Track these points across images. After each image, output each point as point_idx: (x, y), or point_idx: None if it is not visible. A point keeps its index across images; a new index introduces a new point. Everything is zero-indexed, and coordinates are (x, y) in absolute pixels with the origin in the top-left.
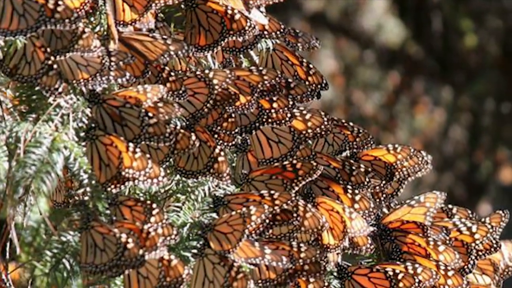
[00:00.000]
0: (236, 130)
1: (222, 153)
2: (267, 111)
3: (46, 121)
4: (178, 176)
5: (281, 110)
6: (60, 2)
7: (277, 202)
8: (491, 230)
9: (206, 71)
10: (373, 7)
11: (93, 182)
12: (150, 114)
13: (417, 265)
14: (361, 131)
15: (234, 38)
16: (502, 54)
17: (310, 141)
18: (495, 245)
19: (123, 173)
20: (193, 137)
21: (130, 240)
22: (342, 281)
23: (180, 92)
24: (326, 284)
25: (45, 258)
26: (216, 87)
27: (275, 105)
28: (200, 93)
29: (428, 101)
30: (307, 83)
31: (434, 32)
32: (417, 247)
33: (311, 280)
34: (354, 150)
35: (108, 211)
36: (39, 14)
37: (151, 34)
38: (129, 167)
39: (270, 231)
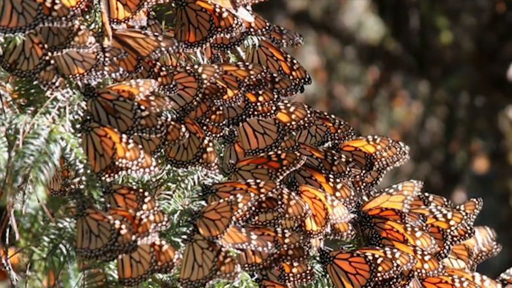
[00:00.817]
0: (224, 122)
1: (210, 144)
2: (253, 104)
3: (44, 113)
4: (168, 166)
5: (266, 103)
6: (57, 1)
7: (262, 190)
8: (465, 217)
9: (195, 66)
10: (353, 6)
11: (88, 171)
12: (142, 107)
13: (395, 250)
14: (342, 123)
15: (221, 35)
16: (476, 50)
17: (294, 133)
18: (469, 231)
19: (116, 163)
20: (183, 129)
21: (123, 226)
22: (324, 265)
23: (171, 86)
24: (309, 268)
25: (43, 243)
26: (205, 81)
27: (260, 98)
28: (190, 87)
29: (405, 94)
30: (291, 77)
31: (411, 29)
32: (395, 233)
33: (295, 264)
34: (336, 141)
35: (102, 199)
36: (37, 12)
37: (143, 31)
38: (123, 157)
39: (256, 218)
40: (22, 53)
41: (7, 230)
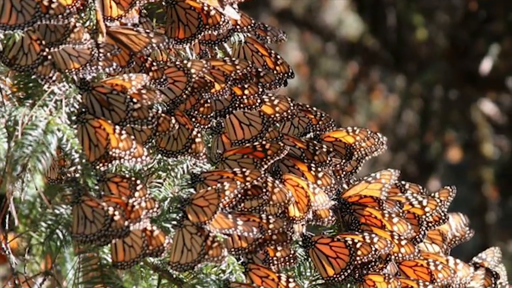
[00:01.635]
0: (212, 114)
1: (199, 135)
2: (239, 97)
3: (41, 106)
4: (159, 156)
5: (251, 96)
6: (54, 0)
7: (248, 178)
8: (439, 204)
9: (185, 62)
10: (334, 4)
11: (84, 161)
12: (135, 100)
13: (373, 235)
14: (323, 115)
15: (209, 32)
16: (449, 46)
17: (277, 124)
18: (443, 217)
19: (110, 152)
20: (173, 121)
21: (116, 212)
22: (306, 250)
23: (161, 80)
24: (292, 252)
25: (41, 229)
26: (194, 75)
27: (246, 92)
28: (179, 81)
29: (383, 88)
30: (275, 72)
31: (388, 26)
32: (373, 219)
33: (279, 248)
34: (317, 132)
35: (97, 187)
36: (35, 10)
37: (135, 28)
38: (116, 147)
39: (242, 204)
40: (21, 49)
41: (7, 216)
